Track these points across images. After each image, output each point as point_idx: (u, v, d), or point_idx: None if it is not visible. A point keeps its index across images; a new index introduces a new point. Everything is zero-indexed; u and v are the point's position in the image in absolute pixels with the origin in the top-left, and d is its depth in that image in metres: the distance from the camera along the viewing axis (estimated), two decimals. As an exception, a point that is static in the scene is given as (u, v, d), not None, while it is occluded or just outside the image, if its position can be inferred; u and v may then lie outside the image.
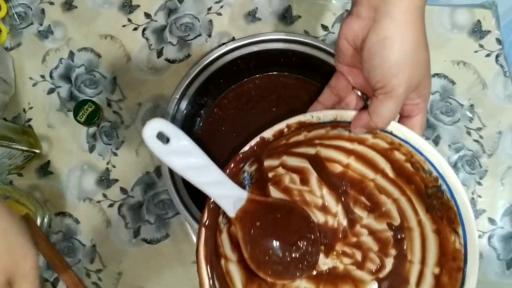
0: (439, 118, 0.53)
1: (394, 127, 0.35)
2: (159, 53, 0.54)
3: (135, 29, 0.54)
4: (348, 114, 0.35)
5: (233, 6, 0.54)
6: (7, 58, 0.53)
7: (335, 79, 0.38)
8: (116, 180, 0.52)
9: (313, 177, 0.42)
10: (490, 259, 0.51)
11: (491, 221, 0.51)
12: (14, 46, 0.54)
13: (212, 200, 0.35)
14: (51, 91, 0.53)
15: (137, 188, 0.52)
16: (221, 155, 0.51)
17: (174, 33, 0.54)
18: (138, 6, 0.54)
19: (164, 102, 0.52)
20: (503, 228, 0.51)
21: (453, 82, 0.53)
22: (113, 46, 0.54)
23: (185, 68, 0.53)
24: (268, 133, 0.37)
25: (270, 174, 0.41)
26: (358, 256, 0.41)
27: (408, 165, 0.37)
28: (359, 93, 0.37)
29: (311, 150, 0.40)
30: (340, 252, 0.41)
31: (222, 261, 0.37)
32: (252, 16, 0.54)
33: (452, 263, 0.35)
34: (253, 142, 0.37)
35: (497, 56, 0.54)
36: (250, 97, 0.51)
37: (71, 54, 0.54)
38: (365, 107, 0.36)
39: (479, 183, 0.52)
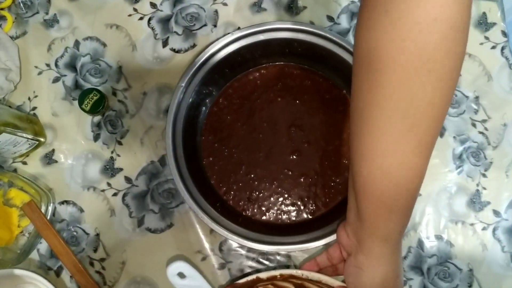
0: (444, 109, 0.52)
1: None
2: (165, 43, 0.53)
3: (141, 18, 0.54)
4: (332, 281, 0.43)
5: (239, -4, 0.54)
6: (13, 46, 0.52)
7: (333, 249, 0.44)
8: (121, 169, 0.51)
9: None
10: (495, 252, 0.50)
11: (496, 213, 0.51)
12: (20, 35, 0.54)
13: None
14: (56, 79, 0.53)
15: (142, 177, 0.51)
16: (225, 144, 0.50)
17: (180, 23, 0.53)
18: (144, -5, 0.54)
19: (169, 91, 0.52)
20: (507, 220, 0.51)
21: (458, 74, 0.53)
22: (119, 36, 0.53)
23: (190, 58, 0.53)
24: (263, 275, 0.45)
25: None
26: None
27: None
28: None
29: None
30: None
31: None
32: (257, 6, 0.54)
33: None
34: (249, 278, 0.45)
35: (502, 49, 0.53)
36: (255, 86, 0.51)
37: (77, 43, 0.53)
38: None
39: (484, 175, 0.51)
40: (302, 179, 0.49)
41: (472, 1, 0.27)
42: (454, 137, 0.52)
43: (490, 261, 0.50)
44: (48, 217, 0.50)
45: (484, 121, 0.52)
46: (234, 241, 0.45)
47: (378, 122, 0.29)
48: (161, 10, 0.54)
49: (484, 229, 0.51)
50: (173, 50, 0.53)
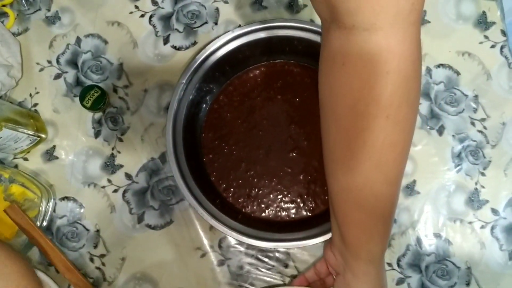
0: (444, 108, 0.52)
1: None
2: (166, 40, 0.53)
3: (142, 16, 0.53)
4: None
5: (240, -5, 0.54)
6: (15, 43, 0.52)
7: (320, 264, 0.45)
8: (121, 166, 0.51)
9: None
10: (493, 250, 0.50)
11: (494, 211, 0.51)
12: (22, 32, 0.54)
13: None
14: (57, 76, 0.53)
15: (142, 174, 0.51)
16: (225, 141, 0.50)
17: (181, 21, 0.53)
18: (145, -7, 0.54)
19: (170, 88, 0.52)
20: (506, 218, 0.51)
21: (457, 73, 0.53)
22: (120, 33, 0.53)
23: (191, 55, 0.52)
24: None
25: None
26: None
27: None
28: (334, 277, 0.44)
29: None
30: None
31: None
32: (258, 4, 0.54)
33: None
34: None
35: (501, 48, 0.53)
36: (256, 84, 0.51)
37: (78, 40, 0.53)
38: None
39: (483, 174, 0.51)
40: (301, 177, 0.49)
41: (421, 55, 0.30)
42: (453, 135, 0.52)
43: (488, 259, 0.50)
44: (49, 213, 0.50)
45: (483, 119, 0.52)
46: (234, 238, 0.44)
47: (349, 161, 0.32)
48: (162, 8, 0.54)
49: (482, 227, 0.51)
50: (174, 47, 0.53)
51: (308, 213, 0.49)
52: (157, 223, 0.51)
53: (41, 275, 0.47)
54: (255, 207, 0.49)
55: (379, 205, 0.34)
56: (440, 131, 0.52)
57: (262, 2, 0.54)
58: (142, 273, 0.50)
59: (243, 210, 0.49)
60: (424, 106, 0.52)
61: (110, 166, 0.51)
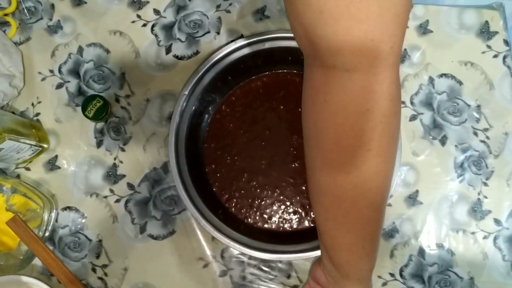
0: (446, 118, 0.52)
1: None
2: (168, 50, 0.53)
3: (144, 25, 0.53)
4: None
5: (242, 4, 0.53)
6: (17, 52, 0.52)
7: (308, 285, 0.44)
8: (123, 176, 0.51)
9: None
10: (495, 260, 0.50)
11: (497, 222, 0.50)
12: (24, 41, 0.53)
13: None
14: (59, 85, 0.53)
15: (144, 184, 0.51)
16: (227, 152, 0.50)
17: (183, 30, 0.53)
18: (148, 2, 0.53)
19: (172, 98, 0.52)
20: (508, 229, 0.50)
21: (460, 83, 0.52)
22: (122, 42, 0.53)
23: (194, 65, 0.52)
24: None
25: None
26: None
27: None
28: None
29: None
30: None
31: None
32: (261, 13, 0.53)
33: None
34: None
35: (504, 57, 0.53)
36: (258, 94, 0.50)
37: (80, 49, 0.53)
38: None
39: (485, 184, 0.51)
40: (304, 187, 0.49)
41: (400, 93, 0.31)
42: (455, 145, 0.51)
43: (490, 270, 0.50)
44: (51, 223, 0.50)
45: (485, 129, 0.52)
46: (236, 249, 0.44)
47: (333, 192, 0.33)
48: (165, 17, 0.53)
49: (485, 237, 0.50)
50: (176, 57, 0.53)
51: (311, 224, 0.48)
52: (160, 233, 0.50)
53: (43, 286, 0.46)
54: (257, 218, 0.49)
55: (366, 228, 0.35)
56: (443, 141, 0.52)
57: (265, 11, 0.53)
58: (144, 283, 0.49)
59: (246, 221, 0.48)
60: (426, 116, 0.52)
61: (112, 176, 0.51)
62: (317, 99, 0.31)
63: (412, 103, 0.52)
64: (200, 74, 0.46)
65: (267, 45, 0.46)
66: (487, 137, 0.52)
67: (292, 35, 0.46)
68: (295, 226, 0.48)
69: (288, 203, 0.49)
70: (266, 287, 0.49)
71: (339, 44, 0.27)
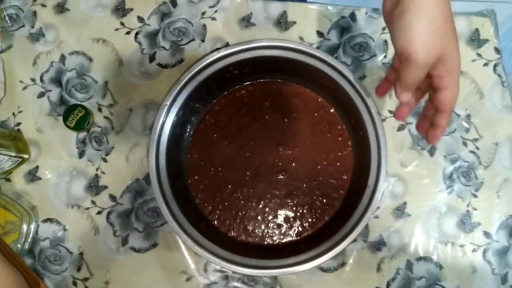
0: (435, 128, 0.50)
1: None
2: (152, 58, 0.51)
3: (128, 33, 0.52)
4: None
5: (228, 11, 0.52)
6: (-3, 60, 0.51)
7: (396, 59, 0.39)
8: (105, 187, 0.49)
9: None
10: (485, 274, 0.48)
11: (487, 234, 0.49)
12: (5, 49, 0.52)
13: None
14: (41, 95, 0.51)
15: (126, 195, 0.49)
16: (211, 163, 0.48)
17: (167, 38, 0.52)
18: (131, 9, 0.52)
19: (156, 107, 0.50)
20: (498, 242, 0.49)
21: (449, 92, 0.51)
22: (105, 50, 0.51)
23: (178, 73, 0.51)
24: None
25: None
26: None
27: None
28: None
29: None
30: None
31: None
32: (246, 21, 0.52)
33: None
34: None
35: (495, 66, 0.51)
36: (243, 104, 0.49)
37: (62, 58, 0.51)
38: None
39: (475, 195, 0.50)
40: (289, 199, 0.47)
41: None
42: (444, 156, 0.50)
43: (480, 284, 0.48)
44: (31, 235, 0.48)
45: (475, 140, 0.50)
46: (217, 265, 0.43)
47: None
48: (149, 25, 0.52)
49: (474, 250, 0.49)
50: (160, 65, 0.51)
51: (296, 237, 0.47)
52: (142, 245, 0.49)
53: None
54: (241, 231, 0.47)
55: None
56: (432, 152, 0.50)
57: (250, 19, 0.52)
58: (126, 297, 0.48)
59: (229, 234, 0.47)
60: (415, 126, 0.50)
61: (94, 187, 0.50)
62: None
63: (400, 112, 0.51)
64: (182, 84, 0.45)
65: (251, 54, 0.45)
66: (477, 148, 0.50)
67: (277, 44, 0.45)
68: (279, 240, 0.47)
69: (272, 216, 0.47)
70: (251, 301, 0.48)
71: None
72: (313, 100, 0.49)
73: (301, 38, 0.51)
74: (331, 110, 0.48)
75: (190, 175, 0.48)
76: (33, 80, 0.51)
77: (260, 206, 0.47)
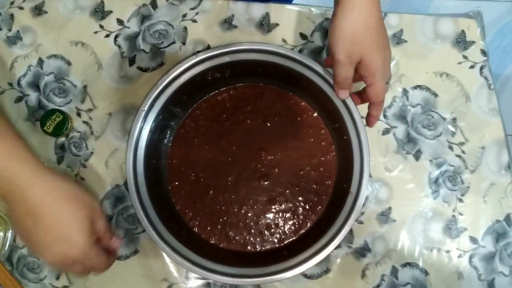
0: (420, 132, 0.49)
1: None
2: (132, 61, 0.50)
3: (107, 35, 0.50)
4: None
5: (209, 13, 0.50)
6: (-27, 64, 0.49)
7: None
8: (85, 193, 0.48)
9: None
10: (471, 280, 0.47)
11: (473, 240, 0.48)
12: (-18, 52, 0.50)
13: None
14: (18, 99, 0.49)
15: (106, 201, 0.48)
16: (192, 168, 0.47)
17: (147, 41, 0.50)
18: (111, 12, 0.50)
19: (136, 112, 0.49)
20: (484, 247, 0.48)
21: (435, 95, 0.50)
22: (84, 53, 0.50)
23: (158, 77, 0.48)
24: None
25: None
26: None
27: None
28: None
29: None
30: None
31: None
32: (228, 23, 0.50)
33: None
34: None
35: (481, 68, 0.50)
36: (224, 108, 0.48)
37: (40, 61, 0.50)
38: None
39: (461, 200, 0.48)
40: (271, 205, 0.46)
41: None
42: (430, 160, 0.49)
43: (466, 290, 0.47)
44: (8, 243, 0.47)
45: (461, 143, 0.49)
46: (197, 274, 0.41)
47: None
48: (128, 27, 0.50)
49: (460, 256, 0.48)
50: (140, 68, 0.50)
51: (278, 244, 0.46)
52: (122, 253, 0.47)
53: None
54: (222, 237, 0.46)
55: None
56: (417, 156, 0.49)
57: (232, 21, 0.50)
58: (106, 306, 0.47)
59: (210, 241, 0.45)
60: (400, 130, 0.49)
61: (74, 193, 0.48)
62: None
63: (385, 116, 0.49)
64: (160, 88, 0.43)
65: (230, 58, 0.43)
66: (463, 152, 0.49)
67: (259, 47, 0.44)
68: (261, 246, 0.46)
69: (254, 222, 0.46)
70: (233, 309, 0.47)
71: None
72: (296, 104, 0.47)
73: (284, 41, 0.50)
74: (314, 115, 0.47)
75: (170, 181, 0.46)
76: (10, 84, 0.50)
77: (242, 212, 0.46)
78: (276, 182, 0.46)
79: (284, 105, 0.47)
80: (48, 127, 0.47)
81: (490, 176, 0.48)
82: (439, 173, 0.48)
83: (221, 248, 0.45)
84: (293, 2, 0.54)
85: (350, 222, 0.41)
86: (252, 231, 0.46)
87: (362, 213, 0.48)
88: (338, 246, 0.47)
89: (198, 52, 0.45)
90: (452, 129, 0.49)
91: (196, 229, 0.46)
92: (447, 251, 0.47)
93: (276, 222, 0.46)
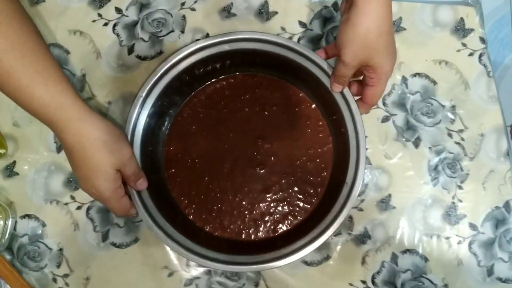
0: (420, 119, 0.49)
1: None
2: (130, 50, 0.49)
3: (106, 24, 0.49)
4: None
5: (208, 2, 0.50)
6: (-28, 53, 0.48)
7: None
8: (84, 182, 0.48)
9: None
10: (471, 266, 0.47)
11: (472, 226, 0.47)
12: (-20, 42, 0.50)
13: None
14: (17, 88, 0.49)
15: (106, 190, 0.47)
16: (188, 155, 0.46)
17: (146, 29, 0.49)
18: (109, 0, 0.49)
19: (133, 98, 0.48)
20: (484, 233, 0.47)
21: (434, 82, 0.49)
22: (83, 42, 0.49)
23: (157, 65, 0.48)
24: None
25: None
26: None
27: None
28: None
29: None
30: None
31: None
32: (227, 11, 0.50)
33: None
34: None
35: (480, 56, 0.50)
36: (223, 96, 0.47)
37: (39, 50, 0.49)
38: None
39: (460, 187, 0.48)
40: (266, 194, 0.45)
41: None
42: (429, 147, 0.48)
43: (465, 276, 0.47)
44: (8, 232, 0.46)
45: (460, 131, 0.49)
46: (191, 260, 0.41)
47: None
48: (127, 16, 0.50)
49: (459, 242, 0.47)
50: (139, 57, 0.49)
51: (272, 234, 0.45)
52: (123, 241, 0.47)
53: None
54: (217, 225, 0.45)
55: None
56: (416, 143, 0.48)
57: (231, 9, 0.50)
58: (106, 294, 0.46)
59: (205, 229, 0.45)
60: (399, 117, 0.49)
61: (73, 182, 0.48)
62: None
63: (384, 103, 0.49)
64: (158, 75, 0.42)
65: (229, 47, 0.43)
66: (462, 139, 0.48)
67: (258, 36, 0.43)
68: (255, 235, 0.45)
69: (249, 210, 0.45)
70: (233, 296, 0.46)
71: None
72: (294, 94, 0.47)
73: (283, 29, 0.49)
74: (313, 106, 0.46)
75: (167, 168, 0.46)
76: (9, 73, 0.49)
77: (237, 200, 0.45)
78: (272, 171, 0.46)
79: (283, 95, 0.47)
80: (47, 116, 0.46)
81: (489, 163, 0.48)
82: (439, 160, 0.48)
83: (215, 236, 0.45)
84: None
85: (345, 212, 0.40)
86: (246, 219, 0.45)
87: (362, 201, 0.47)
88: (338, 233, 0.47)
89: (198, 40, 0.44)
90: (452, 116, 0.49)
91: (191, 217, 0.45)
92: (447, 238, 0.47)
93: (271, 211, 0.45)
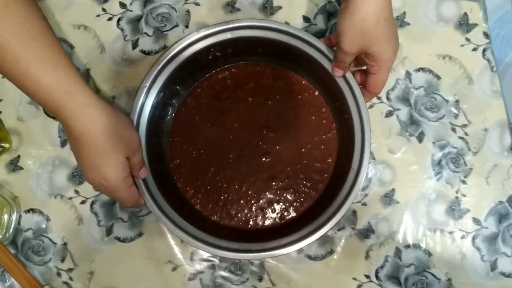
0: (424, 114, 0.48)
1: None
2: (135, 44, 0.49)
3: (110, 19, 0.49)
4: None
5: (212, -4, 0.49)
6: (-24, 48, 0.48)
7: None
8: (88, 176, 0.47)
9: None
10: (474, 261, 0.46)
11: (476, 221, 0.47)
12: (-16, 36, 0.49)
13: None
14: (22, 83, 0.49)
15: (110, 184, 0.47)
16: (193, 146, 0.46)
17: (150, 24, 0.49)
18: (113, -5, 0.49)
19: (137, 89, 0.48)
20: (487, 228, 0.47)
21: (438, 77, 0.49)
22: (87, 37, 0.49)
23: (161, 60, 0.48)
24: None
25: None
26: None
27: None
28: None
29: None
30: None
31: None
32: (231, 6, 0.49)
33: None
34: None
35: (484, 50, 0.49)
36: (226, 86, 0.46)
37: (43, 45, 0.49)
38: None
39: (464, 182, 0.48)
40: (272, 183, 0.45)
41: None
42: (433, 142, 0.48)
43: (469, 271, 0.46)
44: (12, 226, 0.46)
45: (464, 125, 0.48)
46: (199, 248, 0.40)
47: None
48: (131, 10, 0.49)
49: (463, 237, 0.47)
50: (143, 52, 0.49)
51: (279, 221, 0.45)
52: (127, 235, 0.47)
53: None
54: (224, 215, 0.45)
55: None
56: (420, 138, 0.48)
57: (235, 4, 0.49)
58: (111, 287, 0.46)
59: (212, 218, 0.45)
60: (403, 112, 0.48)
61: (78, 176, 0.47)
62: None
63: (388, 98, 0.49)
64: (161, 65, 0.42)
65: (232, 35, 0.42)
66: (466, 134, 0.48)
67: (260, 24, 0.43)
68: (262, 223, 0.45)
69: (256, 199, 0.45)
70: (237, 290, 0.46)
71: None
72: (297, 82, 0.46)
73: (287, 23, 0.49)
74: (316, 93, 0.46)
75: (172, 159, 0.45)
76: (13, 68, 0.49)
77: (243, 189, 0.45)
78: (278, 160, 0.45)
79: (286, 84, 0.46)
80: (52, 110, 0.46)
81: (492, 157, 0.48)
82: (442, 155, 0.48)
83: (222, 224, 0.44)
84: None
85: (351, 198, 0.40)
86: (253, 208, 0.45)
87: (366, 195, 0.47)
88: (342, 228, 0.46)
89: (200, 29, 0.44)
90: (455, 111, 0.48)
91: (197, 207, 0.45)
92: (450, 232, 0.47)
93: (277, 199, 0.45)
